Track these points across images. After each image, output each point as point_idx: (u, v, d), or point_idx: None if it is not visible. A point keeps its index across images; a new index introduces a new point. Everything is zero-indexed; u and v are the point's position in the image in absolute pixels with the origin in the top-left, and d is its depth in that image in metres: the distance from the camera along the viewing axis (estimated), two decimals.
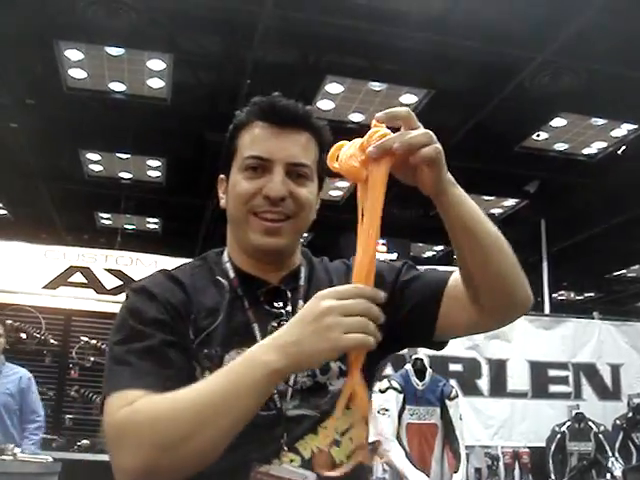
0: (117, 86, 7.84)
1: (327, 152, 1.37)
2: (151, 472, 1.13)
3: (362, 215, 1.17)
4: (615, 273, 14.64)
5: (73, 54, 7.15)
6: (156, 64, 7.31)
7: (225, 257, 1.47)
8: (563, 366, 7.86)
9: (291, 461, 1.30)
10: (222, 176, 1.48)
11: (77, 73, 7.53)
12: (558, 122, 8.24)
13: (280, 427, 1.31)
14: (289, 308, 1.40)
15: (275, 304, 1.41)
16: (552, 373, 7.81)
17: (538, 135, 8.61)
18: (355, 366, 1.14)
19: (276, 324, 1.37)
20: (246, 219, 1.38)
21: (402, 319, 1.42)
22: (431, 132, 1.20)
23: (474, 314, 1.36)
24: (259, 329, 1.37)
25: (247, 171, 1.39)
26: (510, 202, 11.04)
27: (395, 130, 1.20)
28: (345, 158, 1.21)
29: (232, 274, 1.43)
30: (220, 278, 1.42)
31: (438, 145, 1.19)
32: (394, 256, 10.98)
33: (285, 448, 1.30)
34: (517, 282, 1.33)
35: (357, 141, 1.22)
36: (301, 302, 1.41)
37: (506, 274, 1.32)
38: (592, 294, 16.77)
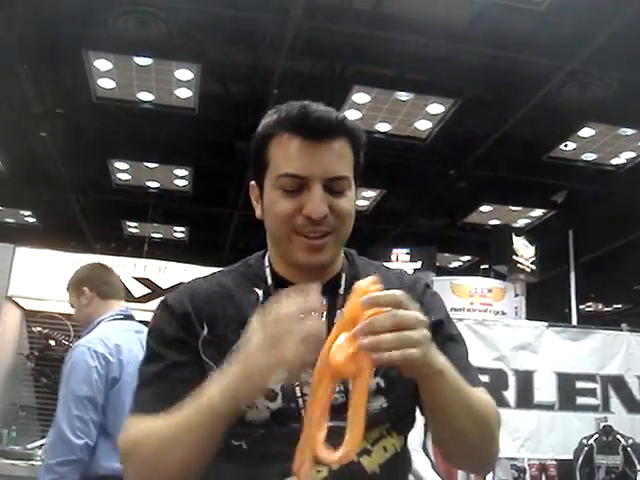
0: (145, 96, 7.92)
1: (362, 150, 1.40)
2: None
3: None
4: None
5: (102, 64, 7.23)
6: (184, 74, 7.36)
7: (266, 261, 1.45)
8: (591, 378, 7.77)
9: (318, 472, 1.27)
10: (252, 183, 1.44)
11: (106, 83, 7.61)
12: (586, 132, 8.19)
13: None
14: (324, 319, 1.34)
15: None
16: (580, 385, 7.72)
17: (566, 145, 8.56)
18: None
19: None
20: (289, 237, 1.35)
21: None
22: (418, 316, 1.11)
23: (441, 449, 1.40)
24: None
25: (284, 190, 1.34)
26: (538, 212, 10.97)
27: None
28: (337, 352, 1.11)
29: (270, 280, 1.42)
30: (255, 288, 1.40)
31: (417, 349, 1.10)
32: (418, 265, 10.95)
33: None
34: (479, 450, 1.35)
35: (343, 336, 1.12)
36: (339, 312, 1.35)
37: (470, 443, 1.32)
38: (620, 305, 16.59)
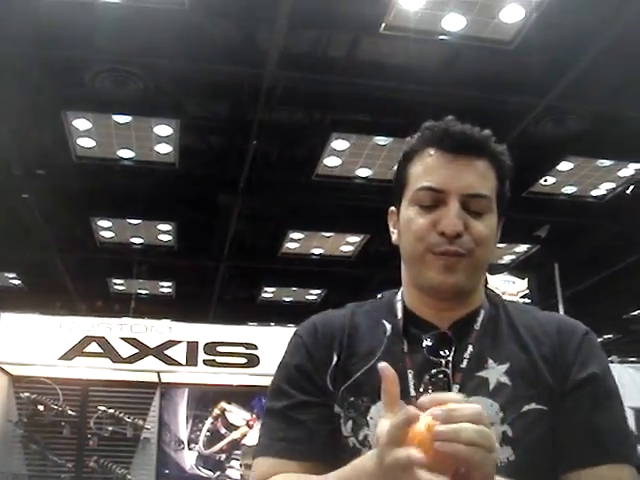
0: (125, 153, 7.92)
1: (507, 180, 1.33)
2: None
3: None
4: (633, 313, 14.49)
5: (81, 124, 7.25)
6: (163, 130, 7.39)
7: (399, 295, 1.39)
8: None
9: None
10: (392, 208, 1.40)
11: (86, 142, 7.62)
12: (565, 166, 8.25)
13: None
14: (450, 357, 1.27)
15: (440, 352, 1.28)
16: None
17: (545, 180, 8.61)
18: None
19: (430, 375, 1.26)
20: (422, 257, 1.28)
21: None
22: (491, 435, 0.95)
23: None
24: (414, 378, 1.26)
25: (420, 205, 1.30)
26: (522, 248, 11.00)
27: None
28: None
29: (400, 314, 1.35)
30: (384, 321, 1.34)
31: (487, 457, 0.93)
32: None
33: None
34: None
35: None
36: (470, 348, 1.28)
37: None
38: (611, 335, 16.58)
